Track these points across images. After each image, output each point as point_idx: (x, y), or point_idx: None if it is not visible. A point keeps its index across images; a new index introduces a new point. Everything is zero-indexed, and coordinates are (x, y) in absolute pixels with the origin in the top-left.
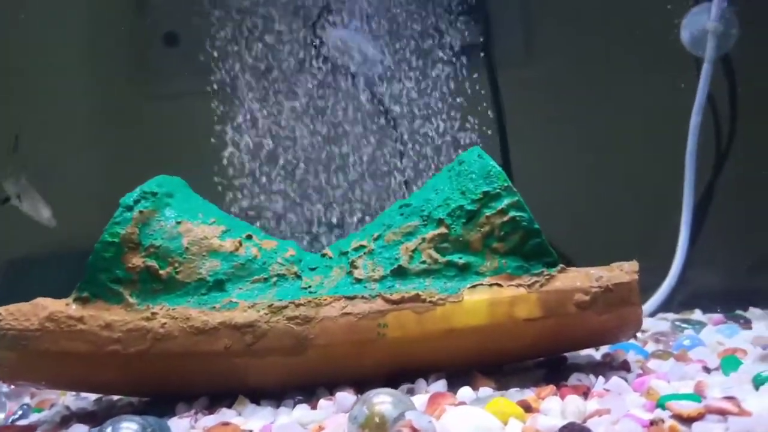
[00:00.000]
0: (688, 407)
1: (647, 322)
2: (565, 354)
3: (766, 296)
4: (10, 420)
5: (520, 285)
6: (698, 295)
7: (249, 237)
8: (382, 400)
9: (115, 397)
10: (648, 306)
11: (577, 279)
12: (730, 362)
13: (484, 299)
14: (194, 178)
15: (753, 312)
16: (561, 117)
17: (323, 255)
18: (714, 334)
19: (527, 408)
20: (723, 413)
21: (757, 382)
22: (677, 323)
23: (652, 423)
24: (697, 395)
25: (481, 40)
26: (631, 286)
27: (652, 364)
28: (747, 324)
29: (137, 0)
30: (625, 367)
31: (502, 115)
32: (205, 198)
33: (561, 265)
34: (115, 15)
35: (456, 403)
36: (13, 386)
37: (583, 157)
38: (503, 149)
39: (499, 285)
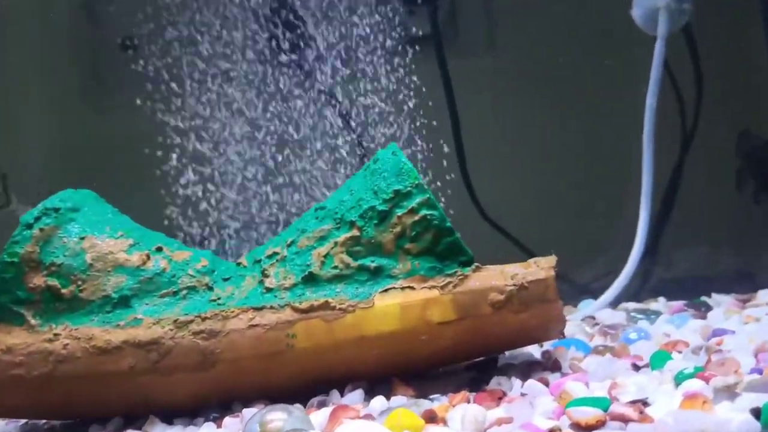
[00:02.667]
0: (586, 415)
1: (604, 313)
2: (504, 353)
3: (731, 281)
4: None
5: (433, 287)
6: (666, 282)
7: (159, 249)
8: (274, 418)
9: (41, 422)
10: (606, 296)
11: (491, 278)
12: (658, 358)
13: (395, 303)
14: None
15: (716, 298)
16: (516, 108)
17: (238, 264)
18: (665, 324)
19: (431, 418)
20: (624, 420)
21: (678, 380)
22: (633, 314)
23: None
24: (607, 399)
25: (433, 31)
26: (548, 282)
27: (587, 361)
28: (705, 312)
29: (87, 11)
30: (556, 366)
31: (454, 107)
32: (137, 210)
33: (476, 264)
34: (66, 25)
35: (360, 415)
36: None
37: (540, 148)
38: (457, 142)
39: (412, 288)
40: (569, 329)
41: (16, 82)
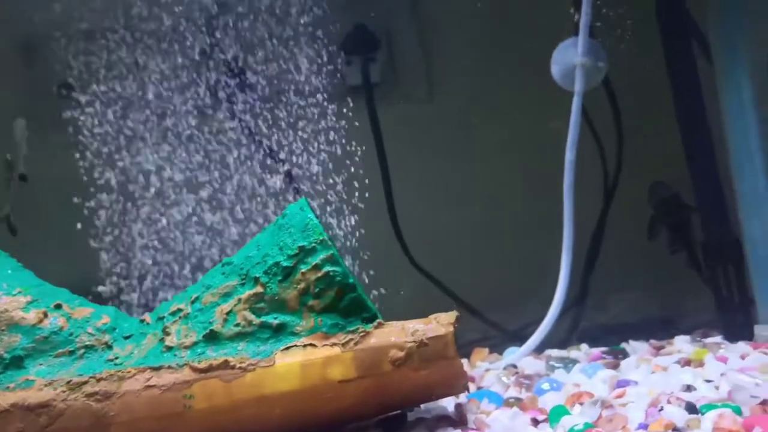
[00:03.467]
0: None
1: (526, 361)
2: (419, 406)
3: (653, 327)
4: None
5: (334, 344)
6: (592, 328)
7: (58, 306)
8: None
9: None
10: (529, 344)
11: (392, 334)
12: (556, 413)
13: (296, 362)
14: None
15: (633, 345)
16: (449, 157)
17: (142, 321)
18: (578, 374)
19: None
20: None
21: (554, 423)
22: (552, 363)
23: None
24: None
25: (364, 81)
26: (447, 338)
27: (494, 415)
28: (621, 359)
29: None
30: (463, 421)
31: (383, 153)
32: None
33: (378, 321)
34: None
35: None
36: None
37: (474, 197)
38: (387, 191)
39: (314, 345)
40: (487, 382)
41: None
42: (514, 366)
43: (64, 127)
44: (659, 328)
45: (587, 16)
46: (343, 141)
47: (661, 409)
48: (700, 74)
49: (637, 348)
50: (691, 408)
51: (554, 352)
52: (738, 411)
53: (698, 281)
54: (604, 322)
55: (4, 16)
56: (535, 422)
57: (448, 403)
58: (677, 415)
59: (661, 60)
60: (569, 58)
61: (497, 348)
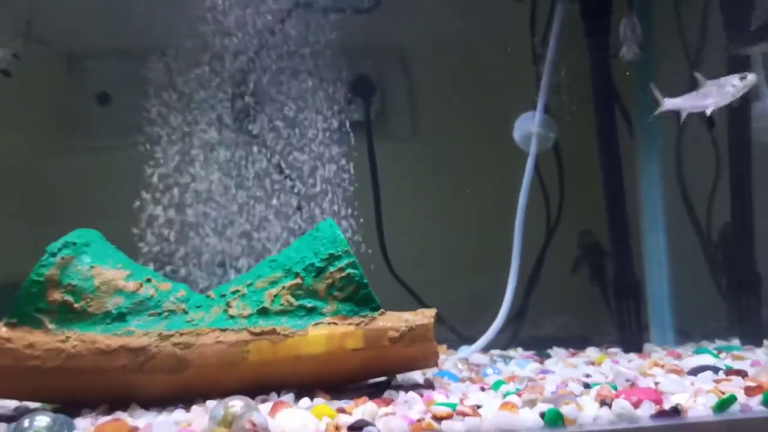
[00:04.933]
0: (441, 410)
1: (475, 356)
2: (396, 376)
3: (573, 340)
4: None
5: (350, 324)
6: (527, 338)
7: (148, 280)
8: (234, 404)
9: (32, 405)
10: (476, 345)
11: (390, 320)
12: (497, 384)
13: (323, 334)
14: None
15: (556, 351)
16: (431, 185)
17: (207, 296)
18: (513, 366)
19: (342, 411)
20: (464, 415)
21: (504, 396)
22: (495, 357)
23: (418, 420)
24: (456, 404)
25: (364, 119)
26: (428, 326)
27: (453, 386)
28: (544, 359)
29: (68, 63)
30: (431, 386)
31: (377, 182)
32: (118, 245)
33: (381, 310)
34: (47, 76)
35: (292, 408)
36: None
37: (443, 221)
38: (377, 206)
39: (336, 323)
40: (446, 366)
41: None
42: (466, 359)
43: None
44: (577, 342)
45: (543, 98)
46: (345, 164)
47: (567, 384)
48: (623, 148)
49: (558, 353)
50: (586, 385)
51: (496, 351)
52: (614, 387)
53: (607, 309)
54: (536, 334)
55: (52, 30)
56: (482, 389)
57: (418, 377)
58: (576, 388)
59: (594, 135)
60: (527, 127)
61: (453, 346)
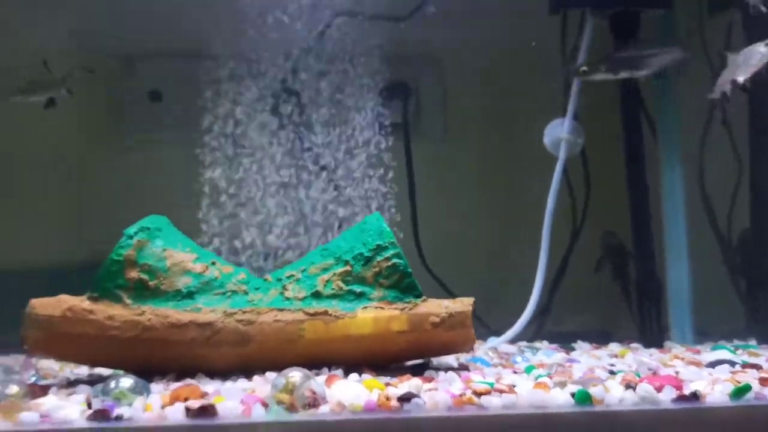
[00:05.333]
0: (481, 387)
1: (503, 347)
2: (431, 360)
3: (595, 335)
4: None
5: (395, 308)
6: (551, 333)
7: (213, 263)
8: (294, 374)
9: (104, 372)
10: (505, 336)
11: (432, 306)
12: (528, 369)
13: (370, 317)
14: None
15: (580, 345)
16: (462, 184)
17: (265, 279)
18: (541, 355)
19: (388, 384)
20: (501, 392)
21: (536, 379)
22: (523, 348)
23: (459, 395)
24: (493, 382)
25: (402, 120)
26: (467, 313)
27: (486, 369)
28: (569, 351)
29: (126, 61)
30: (465, 369)
31: (413, 179)
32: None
33: (424, 297)
34: (105, 73)
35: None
36: (34, 358)
37: (473, 220)
38: (412, 206)
39: (382, 308)
40: (478, 354)
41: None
42: (495, 348)
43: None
44: (599, 338)
45: (573, 105)
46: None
47: (593, 371)
48: (647, 152)
49: (582, 346)
50: (611, 372)
51: (523, 343)
52: (638, 375)
53: (629, 308)
54: (559, 329)
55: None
56: (515, 372)
57: (452, 361)
58: (602, 374)
59: (621, 139)
60: (557, 133)
61: (481, 337)
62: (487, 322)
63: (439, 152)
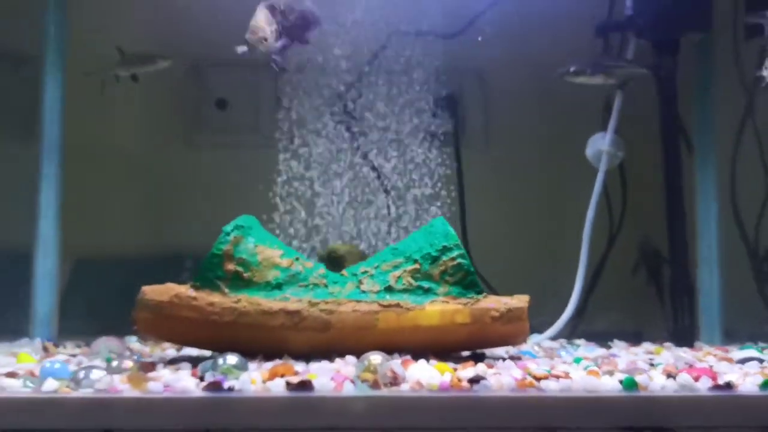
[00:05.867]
0: (540, 372)
1: (545, 343)
2: (485, 351)
3: (628, 335)
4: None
5: (459, 303)
6: (587, 333)
7: (297, 259)
8: (375, 357)
9: (193, 353)
10: (547, 334)
11: (492, 302)
12: (576, 360)
13: (437, 309)
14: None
15: (616, 343)
16: (507, 192)
17: (342, 274)
18: (582, 350)
19: (455, 369)
20: (557, 377)
21: (586, 368)
22: (564, 344)
23: (521, 379)
24: (549, 369)
25: (452, 128)
26: (523, 309)
27: (539, 360)
28: (606, 346)
29: (194, 71)
30: (517, 359)
31: (462, 185)
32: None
33: (485, 293)
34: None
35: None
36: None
37: (521, 223)
38: (461, 210)
39: (447, 302)
40: (524, 348)
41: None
42: (539, 344)
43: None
44: (631, 337)
45: (614, 120)
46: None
47: (635, 363)
48: (684, 164)
49: (618, 344)
50: (651, 364)
51: (564, 340)
52: (676, 367)
53: (661, 309)
54: (594, 329)
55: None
56: (564, 363)
57: (502, 353)
58: (643, 365)
59: (659, 151)
60: (598, 146)
61: None
62: (531, 322)
63: (485, 161)
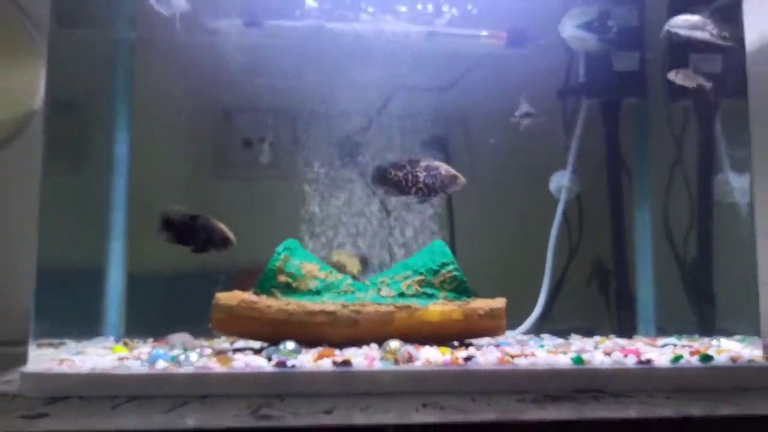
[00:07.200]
0: (514, 352)
1: (519, 336)
2: (472, 341)
3: (582, 332)
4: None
5: (455, 305)
6: (552, 330)
7: (330, 272)
8: (395, 343)
9: (242, 345)
10: (519, 330)
11: (479, 303)
12: (541, 346)
13: (438, 309)
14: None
15: (573, 336)
16: (488, 217)
17: (364, 284)
18: (547, 341)
19: (452, 351)
20: (527, 356)
21: (541, 347)
22: (532, 337)
23: (501, 358)
24: (521, 351)
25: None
26: (502, 309)
27: (513, 348)
28: (565, 338)
29: (224, 114)
30: (497, 346)
31: (452, 212)
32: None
33: (474, 297)
34: (208, 123)
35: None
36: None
37: (499, 244)
38: (451, 233)
39: (445, 304)
40: (501, 339)
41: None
42: (513, 338)
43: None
44: (586, 333)
45: (573, 158)
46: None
47: (584, 348)
48: (626, 196)
49: (574, 337)
50: (596, 347)
51: (532, 335)
52: (614, 349)
53: (608, 312)
54: (557, 328)
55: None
56: (530, 348)
57: (485, 342)
58: (590, 348)
59: (605, 185)
60: (560, 181)
61: None
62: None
63: (469, 191)
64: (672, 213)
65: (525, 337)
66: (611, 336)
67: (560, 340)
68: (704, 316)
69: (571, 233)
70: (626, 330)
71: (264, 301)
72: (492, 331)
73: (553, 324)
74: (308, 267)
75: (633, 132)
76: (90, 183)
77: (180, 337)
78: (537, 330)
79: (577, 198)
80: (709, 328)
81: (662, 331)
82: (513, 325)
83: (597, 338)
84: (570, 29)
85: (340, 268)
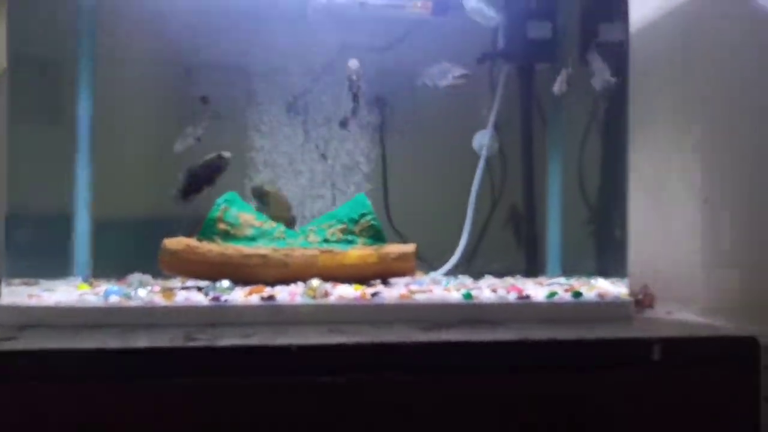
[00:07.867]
0: (414, 288)
1: (440, 276)
2: (389, 280)
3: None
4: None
5: (371, 249)
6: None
7: (265, 221)
8: (315, 281)
9: (192, 283)
10: (440, 270)
11: (393, 248)
12: (446, 283)
13: (356, 253)
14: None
15: (486, 277)
16: (419, 170)
17: (295, 231)
18: (459, 281)
19: (367, 288)
20: (424, 292)
21: (446, 285)
22: (450, 278)
23: (403, 294)
24: (423, 289)
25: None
26: (412, 253)
27: (423, 286)
28: (476, 281)
29: (186, 72)
30: (408, 284)
31: (386, 166)
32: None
33: (388, 243)
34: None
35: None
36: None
37: (428, 194)
38: (384, 183)
39: (363, 249)
40: (418, 279)
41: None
42: (433, 278)
43: None
44: (501, 274)
45: (493, 118)
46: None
47: (480, 286)
48: (540, 150)
49: (487, 278)
50: (493, 291)
51: (451, 277)
52: (468, 296)
53: (521, 253)
54: (476, 269)
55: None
56: (440, 287)
57: (401, 281)
58: (485, 288)
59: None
60: (481, 139)
61: (421, 269)
62: (431, 263)
63: (403, 147)
64: (585, 165)
65: (442, 278)
66: (518, 277)
67: (469, 281)
68: (605, 259)
69: (494, 185)
70: (534, 271)
71: (205, 245)
72: (403, 272)
73: (473, 266)
74: (245, 217)
75: (548, 93)
76: (59, 135)
77: (138, 277)
78: (459, 271)
79: (499, 153)
80: (610, 270)
81: (569, 272)
82: (437, 267)
83: (508, 279)
84: (472, 2)
85: (262, 199)
